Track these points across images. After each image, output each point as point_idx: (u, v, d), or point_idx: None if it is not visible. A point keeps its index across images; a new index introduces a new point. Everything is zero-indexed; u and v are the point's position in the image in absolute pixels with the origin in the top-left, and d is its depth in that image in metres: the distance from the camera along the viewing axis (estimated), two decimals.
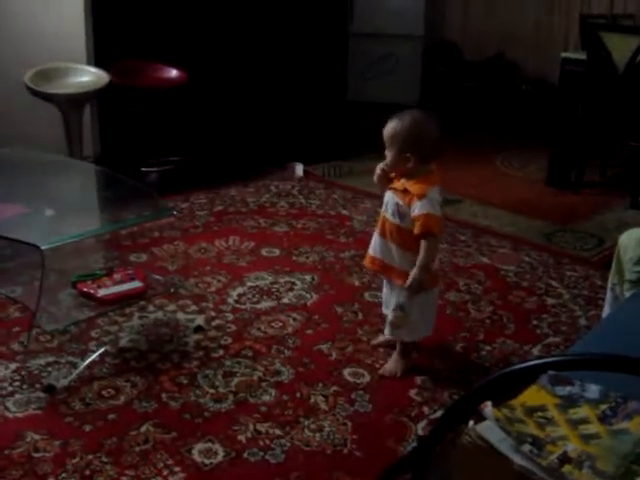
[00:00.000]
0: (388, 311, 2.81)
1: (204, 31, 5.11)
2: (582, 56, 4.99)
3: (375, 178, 2.71)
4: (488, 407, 0.99)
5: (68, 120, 4.34)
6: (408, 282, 2.60)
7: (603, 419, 1.03)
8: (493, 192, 5.08)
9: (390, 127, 2.62)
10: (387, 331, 2.82)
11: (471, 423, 0.98)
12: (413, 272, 2.58)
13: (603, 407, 1.06)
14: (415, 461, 1.18)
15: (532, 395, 1.06)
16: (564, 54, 5.36)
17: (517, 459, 0.93)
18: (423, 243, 2.57)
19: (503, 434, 0.96)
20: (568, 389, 1.08)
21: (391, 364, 2.81)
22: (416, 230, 2.57)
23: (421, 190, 2.57)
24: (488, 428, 0.96)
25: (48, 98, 4.26)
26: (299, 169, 5.24)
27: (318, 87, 5.82)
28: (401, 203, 2.61)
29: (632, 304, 2.30)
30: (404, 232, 2.63)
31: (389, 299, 2.81)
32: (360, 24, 6.97)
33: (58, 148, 4.36)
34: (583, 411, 1.04)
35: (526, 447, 0.95)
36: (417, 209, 2.56)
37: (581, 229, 4.43)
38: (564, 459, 0.95)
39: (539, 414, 1.02)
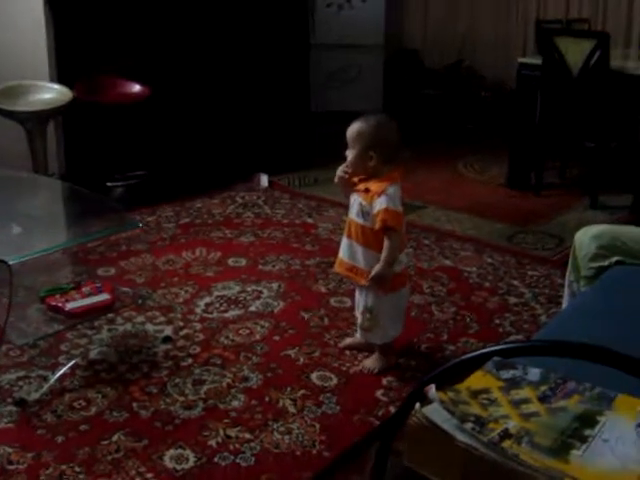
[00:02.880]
0: (358, 314, 2.87)
1: (166, 45, 5.15)
2: (538, 61, 5.09)
3: (336, 179, 2.78)
4: (432, 389, 1.06)
5: (32, 137, 4.36)
6: (371, 275, 2.66)
7: (543, 399, 1.10)
8: (455, 197, 5.16)
9: (355, 127, 2.71)
10: (359, 334, 2.89)
11: (417, 405, 1.04)
12: (376, 267, 2.65)
13: (543, 388, 1.12)
14: (377, 448, 1.24)
15: (477, 379, 1.13)
16: (521, 59, 5.46)
17: (460, 436, 0.99)
18: (385, 239, 2.64)
19: (448, 415, 1.02)
20: (511, 372, 1.15)
21: (371, 361, 2.88)
22: (377, 225, 2.64)
23: (380, 187, 2.66)
24: (433, 409, 1.02)
25: (12, 116, 4.28)
26: (264, 180, 5.29)
27: (281, 98, 5.88)
28: (364, 203, 2.69)
29: (584, 298, 2.38)
30: (368, 231, 2.70)
31: (358, 302, 2.88)
32: (321, 35, 7.03)
33: (23, 165, 4.37)
34: (524, 392, 1.11)
35: (468, 425, 1.01)
36: (377, 205, 2.64)
37: (542, 230, 4.52)
38: (504, 435, 1.01)
39: (483, 396, 1.09)
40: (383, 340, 2.85)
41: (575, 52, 4.82)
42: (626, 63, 5.28)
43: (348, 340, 3.07)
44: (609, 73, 4.73)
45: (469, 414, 1.04)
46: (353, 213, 2.76)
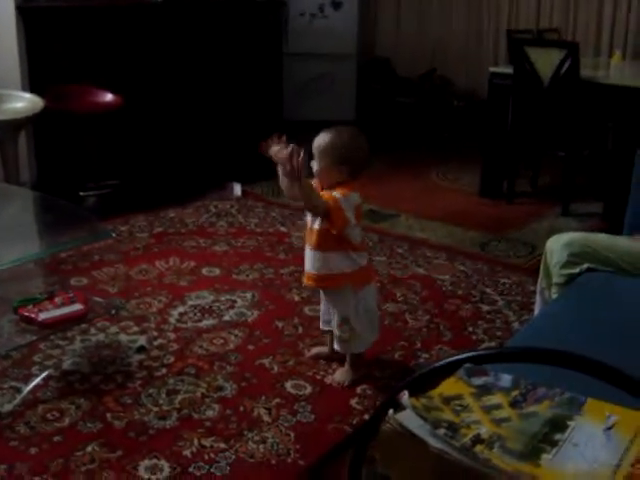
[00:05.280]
0: (331, 327, 2.87)
1: (138, 54, 5.15)
2: (510, 70, 5.14)
3: (283, 182, 2.68)
4: (405, 396, 1.07)
5: (3, 146, 4.34)
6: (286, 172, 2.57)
7: (514, 404, 1.11)
8: (429, 205, 5.19)
9: (325, 139, 2.67)
10: (338, 347, 2.88)
11: (391, 412, 1.05)
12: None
13: (514, 394, 1.14)
14: (352, 455, 1.25)
15: (450, 386, 1.14)
16: (492, 69, 5.51)
17: (433, 442, 1.00)
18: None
19: (421, 420, 1.03)
20: (483, 379, 1.16)
21: (340, 374, 2.88)
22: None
23: (343, 192, 2.64)
24: (407, 416, 1.03)
25: None
26: (237, 189, 5.29)
27: (255, 107, 5.90)
28: None
29: (556, 305, 2.41)
30: (327, 233, 2.68)
31: (329, 315, 2.88)
32: (294, 44, 7.07)
33: None
34: (496, 398, 1.12)
35: (441, 431, 1.02)
36: (333, 193, 2.63)
37: (514, 237, 4.56)
38: (476, 440, 1.02)
39: (455, 402, 1.10)
40: (363, 347, 2.86)
41: (546, 62, 4.87)
42: (596, 72, 5.35)
43: (315, 350, 3.07)
44: (579, 82, 4.79)
45: (442, 420, 1.06)
46: (316, 223, 2.72)
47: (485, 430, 1.04)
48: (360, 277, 2.77)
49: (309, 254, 2.79)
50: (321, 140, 2.68)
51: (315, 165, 2.69)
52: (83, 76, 4.83)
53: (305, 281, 2.90)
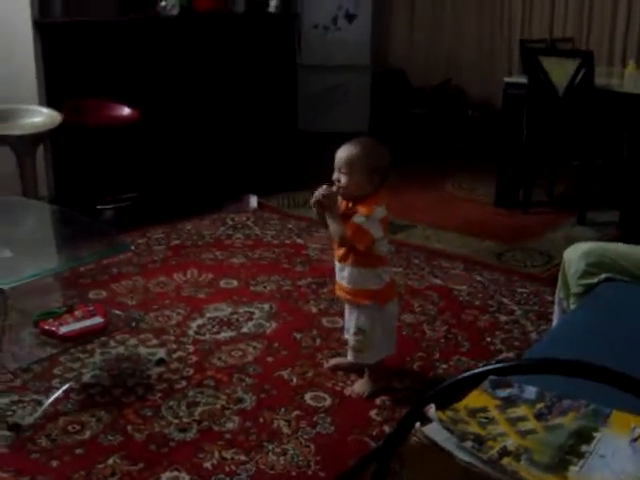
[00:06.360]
0: (349, 335, 2.88)
1: (154, 67, 5.18)
2: (524, 80, 5.14)
3: (318, 203, 2.69)
4: (432, 409, 1.08)
5: (22, 161, 4.36)
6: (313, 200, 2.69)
7: (539, 416, 1.12)
8: (444, 216, 5.19)
9: (353, 151, 2.66)
10: (350, 356, 2.89)
11: (418, 424, 1.06)
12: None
13: (539, 406, 1.14)
14: (375, 468, 1.26)
15: (475, 398, 1.15)
16: (507, 79, 5.51)
17: (460, 455, 1.01)
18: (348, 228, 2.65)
19: (447, 433, 1.04)
20: (508, 391, 1.17)
21: (359, 385, 2.88)
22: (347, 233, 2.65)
23: (367, 209, 2.65)
24: (433, 429, 1.04)
25: (1, 140, 4.28)
26: (253, 201, 5.31)
27: (269, 119, 5.91)
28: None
29: (574, 315, 2.41)
30: (352, 249, 2.70)
31: (349, 324, 2.89)
32: (308, 56, 7.09)
33: (12, 189, 4.37)
34: (521, 410, 1.13)
35: (468, 444, 1.03)
36: (355, 218, 2.64)
37: (530, 247, 4.56)
38: (503, 452, 1.03)
39: (481, 415, 1.11)
40: (375, 359, 2.85)
41: (560, 71, 4.88)
42: (610, 81, 5.35)
43: (333, 361, 3.08)
44: (594, 91, 4.79)
45: (468, 433, 1.06)
46: None
47: (511, 442, 1.05)
48: (385, 294, 2.78)
49: (337, 266, 2.82)
50: (349, 153, 2.66)
51: (343, 179, 2.66)
52: (100, 90, 4.86)
53: (336, 290, 2.91)
